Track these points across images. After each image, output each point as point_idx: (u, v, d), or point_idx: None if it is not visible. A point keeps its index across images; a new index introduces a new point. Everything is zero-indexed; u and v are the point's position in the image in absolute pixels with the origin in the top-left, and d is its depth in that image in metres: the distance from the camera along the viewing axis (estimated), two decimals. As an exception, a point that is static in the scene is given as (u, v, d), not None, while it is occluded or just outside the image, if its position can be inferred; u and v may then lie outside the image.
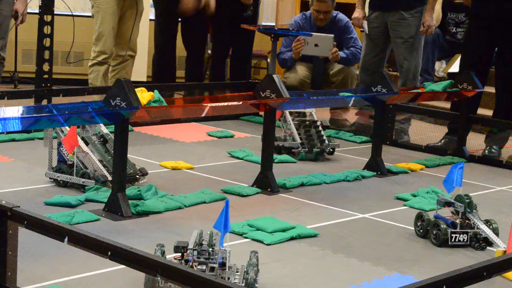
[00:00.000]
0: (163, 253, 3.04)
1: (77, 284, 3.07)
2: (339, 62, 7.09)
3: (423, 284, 2.38)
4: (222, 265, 3.00)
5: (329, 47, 6.88)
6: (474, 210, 3.87)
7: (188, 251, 2.99)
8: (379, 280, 3.32)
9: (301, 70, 7.13)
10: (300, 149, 5.63)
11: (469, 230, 3.82)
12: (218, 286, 2.28)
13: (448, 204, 3.93)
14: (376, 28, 6.63)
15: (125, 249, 2.52)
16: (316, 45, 6.88)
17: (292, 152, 5.69)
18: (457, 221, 3.86)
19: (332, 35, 6.90)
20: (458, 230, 3.81)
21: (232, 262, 3.06)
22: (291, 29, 6.73)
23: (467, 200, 3.85)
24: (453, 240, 3.80)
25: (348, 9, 8.85)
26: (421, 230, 3.96)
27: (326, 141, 5.69)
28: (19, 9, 6.05)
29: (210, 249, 3.02)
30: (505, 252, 3.58)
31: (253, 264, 3.01)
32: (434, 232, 3.85)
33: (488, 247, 3.80)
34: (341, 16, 7.26)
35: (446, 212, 3.98)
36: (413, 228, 4.10)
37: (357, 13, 6.71)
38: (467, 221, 3.85)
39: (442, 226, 3.82)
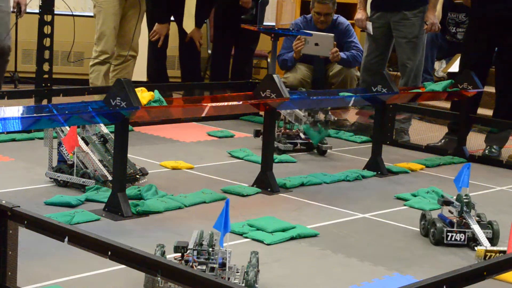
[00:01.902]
0: (163, 253, 3.04)
1: (77, 284, 3.07)
2: (339, 63, 7.08)
3: (423, 284, 2.38)
4: (222, 265, 3.00)
5: (329, 47, 6.88)
6: (472, 210, 3.85)
7: (188, 251, 2.99)
8: (379, 280, 3.33)
9: (301, 70, 7.12)
10: (306, 120, 5.69)
11: (466, 230, 3.80)
12: (218, 286, 2.28)
13: (446, 203, 3.93)
14: (379, 29, 6.63)
15: (125, 249, 2.52)
16: (316, 44, 6.88)
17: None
18: (454, 220, 3.85)
19: (332, 34, 6.90)
20: (454, 229, 3.80)
21: (232, 262, 3.07)
22: (291, 29, 6.73)
23: (465, 200, 3.84)
24: (448, 239, 3.79)
25: (348, 9, 8.87)
26: (423, 229, 3.97)
27: (330, 114, 5.82)
28: (21, 1, 6.04)
29: (210, 249, 3.02)
30: (486, 251, 3.57)
31: (253, 264, 3.01)
32: (431, 230, 3.86)
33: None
34: (342, 19, 7.24)
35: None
36: (413, 228, 4.11)
37: (359, 15, 6.70)
38: (464, 220, 3.84)
39: (438, 224, 3.82)
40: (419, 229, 4.03)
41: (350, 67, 7.13)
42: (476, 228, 3.78)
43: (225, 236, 2.85)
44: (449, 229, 3.81)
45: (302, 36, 6.88)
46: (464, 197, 3.85)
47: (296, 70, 7.13)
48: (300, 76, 7.08)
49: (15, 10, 6.22)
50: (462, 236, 3.80)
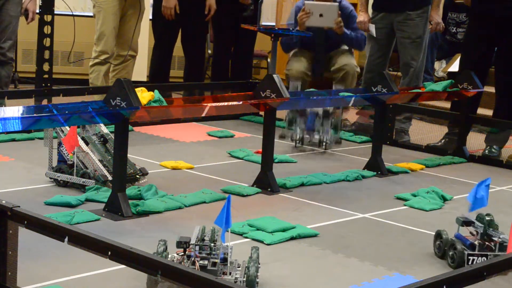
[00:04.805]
0: (165, 248, 3.05)
1: (77, 284, 3.07)
2: (342, 41, 7.01)
3: (423, 284, 2.38)
4: (224, 260, 3.02)
5: (334, 17, 6.81)
6: (495, 231, 3.52)
7: (190, 247, 3.01)
8: (379, 280, 3.33)
9: (303, 62, 7.05)
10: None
11: (489, 253, 3.46)
12: (218, 286, 2.28)
13: (466, 223, 3.60)
14: (382, 29, 6.62)
15: (125, 249, 2.52)
16: (320, 15, 6.82)
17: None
18: (476, 242, 3.51)
19: (337, 4, 6.79)
20: (476, 252, 3.47)
21: (233, 258, 3.09)
22: (294, 12, 6.75)
23: (487, 219, 3.53)
24: (470, 263, 3.45)
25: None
26: (439, 250, 3.67)
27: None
28: (30, 8, 6.04)
29: (212, 245, 3.04)
30: None
31: (254, 259, 3.03)
32: (451, 253, 3.55)
33: None
34: (346, 3, 7.10)
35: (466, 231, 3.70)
36: (413, 228, 4.11)
37: (361, 17, 6.68)
38: (486, 243, 3.50)
39: (459, 247, 3.50)
40: (433, 250, 3.74)
41: (352, 46, 7.06)
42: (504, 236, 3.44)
43: (226, 232, 2.87)
44: (470, 252, 3.47)
45: (307, 8, 6.83)
46: (486, 216, 3.55)
47: (298, 61, 7.06)
48: (301, 69, 7.03)
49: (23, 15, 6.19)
50: (484, 260, 3.44)
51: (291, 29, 6.79)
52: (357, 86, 7.29)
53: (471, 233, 3.64)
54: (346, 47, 7.03)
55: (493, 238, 3.51)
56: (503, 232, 3.58)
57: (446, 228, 3.77)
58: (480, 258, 3.48)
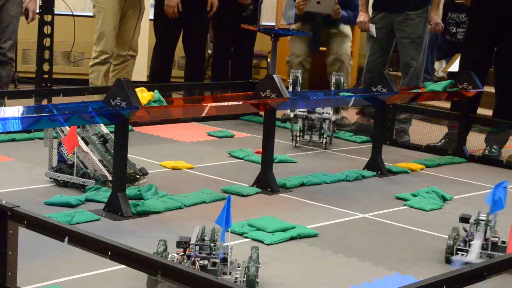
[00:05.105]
0: (165, 248, 3.05)
1: (77, 284, 3.07)
2: (341, 21, 7.01)
3: (423, 284, 2.38)
4: (224, 260, 3.02)
5: (331, 4, 6.83)
6: (488, 230, 3.55)
7: (190, 246, 3.01)
8: (379, 280, 3.33)
9: (302, 48, 7.04)
10: None
11: (481, 251, 3.48)
12: (218, 286, 2.28)
13: (463, 220, 3.67)
14: (382, 29, 6.62)
15: (125, 249, 2.52)
16: (318, 2, 6.84)
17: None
18: (467, 239, 3.56)
19: None
20: (467, 248, 3.52)
21: (233, 258, 3.09)
22: None
23: (481, 218, 3.56)
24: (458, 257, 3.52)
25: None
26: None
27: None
28: (30, 7, 6.03)
29: (212, 244, 3.04)
30: None
31: (254, 259, 3.03)
32: (445, 247, 3.61)
33: None
34: None
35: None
36: (413, 228, 4.11)
37: (362, 17, 6.68)
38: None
39: (449, 242, 3.57)
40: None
41: (352, 24, 7.08)
42: (476, 243, 3.48)
43: (226, 231, 2.87)
44: (459, 247, 3.55)
45: None
46: (481, 215, 3.59)
47: (298, 46, 7.04)
48: (301, 56, 7.02)
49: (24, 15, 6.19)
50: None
51: (291, 28, 6.79)
52: (357, 86, 7.30)
53: (464, 229, 3.66)
54: (345, 29, 7.05)
55: (487, 237, 3.52)
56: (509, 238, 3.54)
57: (446, 227, 3.76)
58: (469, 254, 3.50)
